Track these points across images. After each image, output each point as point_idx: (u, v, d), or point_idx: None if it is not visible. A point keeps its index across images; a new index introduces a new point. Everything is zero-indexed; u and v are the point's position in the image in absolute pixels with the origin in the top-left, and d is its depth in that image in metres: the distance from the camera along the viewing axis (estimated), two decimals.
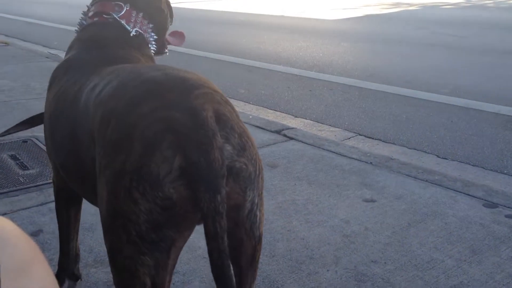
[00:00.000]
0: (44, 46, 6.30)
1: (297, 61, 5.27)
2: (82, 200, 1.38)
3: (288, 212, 1.94)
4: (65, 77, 1.18)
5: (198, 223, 0.85)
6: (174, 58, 5.46)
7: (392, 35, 6.77)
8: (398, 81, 4.32)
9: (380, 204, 1.99)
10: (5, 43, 6.13)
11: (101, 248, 1.68)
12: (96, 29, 1.30)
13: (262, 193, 0.92)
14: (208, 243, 0.79)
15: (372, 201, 2.02)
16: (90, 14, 1.35)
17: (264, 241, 1.35)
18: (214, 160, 0.79)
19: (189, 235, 0.88)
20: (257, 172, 0.89)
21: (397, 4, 10.56)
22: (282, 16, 9.18)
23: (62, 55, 5.40)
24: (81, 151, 0.99)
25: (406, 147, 2.88)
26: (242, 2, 12.35)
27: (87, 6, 1.40)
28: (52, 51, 5.75)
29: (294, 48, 6.03)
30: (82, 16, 1.38)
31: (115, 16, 1.31)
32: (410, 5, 10.42)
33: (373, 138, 3.03)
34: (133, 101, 0.85)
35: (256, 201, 0.90)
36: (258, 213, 0.91)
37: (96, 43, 1.25)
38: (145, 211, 0.80)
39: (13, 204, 1.97)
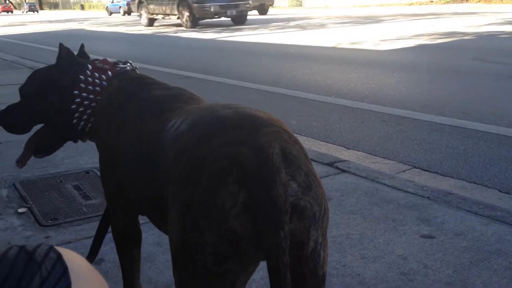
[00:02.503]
0: None
1: (348, 92, 5.26)
2: (141, 239, 1.43)
3: (342, 247, 1.91)
4: (139, 117, 1.19)
5: (263, 259, 0.86)
6: (226, 91, 5.60)
7: (446, 65, 6.64)
8: (455, 112, 4.22)
9: (439, 241, 1.93)
10: None
11: (159, 278, 1.72)
12: (133, 74, 1.38)
13: (326, 232, 0.92)
14: (270, 279, 0.80)
15: (431, 237, 1.96)
16: (106, 67, 1.43)
17: None
18: (277, 196, 0.80)
19: (253, 270, 0.89)
20: (322, 212, 0.89)
21: (450, 34, 10.38)
22: (333, 48, 9.23)
23: None
24: (161, 188, 1.00)
25: (465, 180, 2.78)
26: (292, 34, 12.54)
27: (88, 71, 1.43)
28: None
29: (345, 79, 6.03)
30: (96, 74, 1.41)
31: (132, 64, 1.46)
32: (465, 34, 10.21)
33: (429, 171, 2.95)
34: (203, 137, 0.89)
35: (320, 240, 0.90)
36: (321, 252, 0.91)
37: (152, 84, 1.30)
38: (210, 243, 0.82)
39: (77, 233, 2.06)
